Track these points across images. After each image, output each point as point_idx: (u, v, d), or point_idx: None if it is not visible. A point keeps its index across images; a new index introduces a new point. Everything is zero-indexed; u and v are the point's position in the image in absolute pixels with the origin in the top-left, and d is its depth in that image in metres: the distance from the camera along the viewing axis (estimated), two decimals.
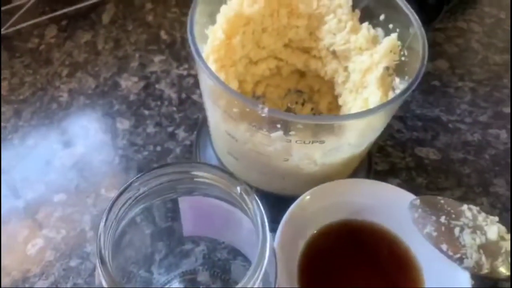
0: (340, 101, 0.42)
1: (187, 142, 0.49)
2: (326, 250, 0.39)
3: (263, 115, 0.31)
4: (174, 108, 0.51)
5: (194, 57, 0.34)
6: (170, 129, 0.50)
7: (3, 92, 0.51)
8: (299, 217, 0.37)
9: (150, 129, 0.49)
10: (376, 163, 0.48)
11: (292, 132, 0.32)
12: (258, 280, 0.25)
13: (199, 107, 0.52)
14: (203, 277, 0.40)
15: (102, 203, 0.44)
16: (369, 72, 0.39)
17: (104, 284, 0.24)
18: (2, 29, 0.54)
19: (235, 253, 0.41)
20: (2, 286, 0.39)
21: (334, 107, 0.45)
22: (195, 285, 0.40)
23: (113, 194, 0.44)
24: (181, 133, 0.49)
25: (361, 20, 0.41)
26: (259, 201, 0.27)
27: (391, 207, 0.39)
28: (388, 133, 0.50)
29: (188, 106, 0.52)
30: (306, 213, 0.38)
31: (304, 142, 0.33)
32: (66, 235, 0.42)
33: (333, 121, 0.32)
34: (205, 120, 0.50)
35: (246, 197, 0.27)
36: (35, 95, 0.51)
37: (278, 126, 0.32)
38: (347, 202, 0.39)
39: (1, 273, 0.40)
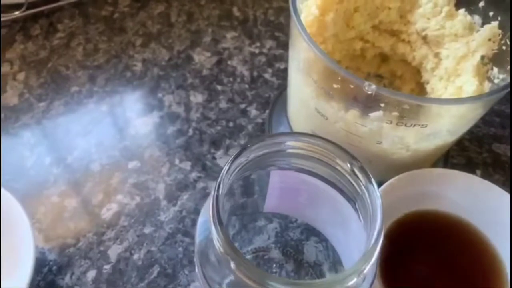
0: (428, 88, 0.40)
1: (259, 120, 0.48)
2: (407, 239, 0.38)
3: (369, 92, 0.30)
4: (246, 86, 0.51)
5: (294, 27, 0.33)
6: (242, 106, 0.49)
7: (78, 57, 0.52)
8: (385, 202, 0.36)
9: (223, 104, 0.49)
10: (453, 156, 0.47)
11: (394, 113, 0.31)
12: (370, 264, 0.24)
13: (271, 86, 0.51)
14: (275, 255, 0.40)
15: (176, 173, 0.44)
16: (464, 60, 0.38)
17: (217, 243, 0.24)
18: None
19: (308, 233, 0.41)
20: (78, 246, 0.40)
21: (417, 94, 0.43)
22: (267, 262, 0.40)
23: (187, 165, 0.44)
24: (253, 111, 0.49)
25: (458, 6, 0.40)
26: (375, 183, 0.26)
27: (477, 200, 0.38)
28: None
29: (260, 85, 0.51)
30: (391, 199, 0.37)
31: (405, 125, 0.32)
32: (140, 202, 0.42)
33: (448, 104, 0.31)
34: (278, 99, 0.50)
35: (360, 176, 0.26)
36: (110, 62, 0.52)
37: (382, 105, 0.31)
38: (431, 192, 0.38)
39: (78, 234, 0.40)
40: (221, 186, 0.25)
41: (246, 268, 0.23)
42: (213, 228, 0.24)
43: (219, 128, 0.47)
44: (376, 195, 0.25)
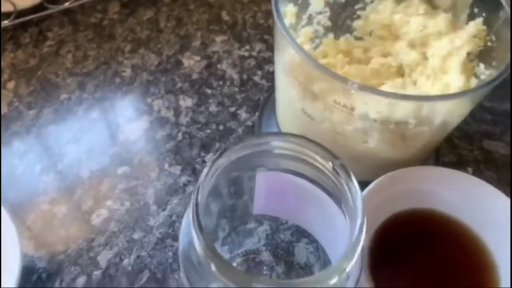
0: (416, 86, 0.40)
1: (249, 123, 0.48)
2: (397, 238, 0.38)
3: (352, 91, 0.30)
4: (236, 89, 0.51)
5: (278, 31, 0.33)
6: (232, 109, 0.49)
7: (67, 64, 0.52)
8: (372, 202, 0.36)
9: (213, 108, 0.49)
10: (444, 154, 0.47)
11: (379, 111, 0.31)
12: (352, 262, 0.24)
13: (261, 88, 0.51)
14: (266, 257, 0.40)
15: (166, 178, 0.44)
16: (450, 58, 0.38)
17: (198, 247, 0.24)
18: (66, 3, 0.54)
19: (299, 235, 0.41)
20: (68, 253, 0.39)
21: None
22: (258, 265, 0.40)
23: (177, 170, 0.44)
24: (243, 114, 0.49)
25: None
26: (354, 180, 0.26)
27: (469, 198, 0.38)
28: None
29: (249, 87, 0.51)
30: (379, 199, 0.37)
31: (390, 123, 0.32)
32: (130, 207, 0.42)
33: (432, 101, 0.31)
34: (267, 101, 0.50)
35: (341, 173, 0.26)
36: (99, 68, 0.52)
37: (364, 103, 0.31)
38: (422, 190, 0.38)
39: (68, 241, 0.40)
40: (200, 190, 0.25)
41: (228, 271, 0.23)
42: (193, 231, 0.24)
43: (209, 131, 0.47)
44: (356, 191, 0.25)
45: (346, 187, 0.26)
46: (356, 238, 0.24)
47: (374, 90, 0.30)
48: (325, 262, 0.36)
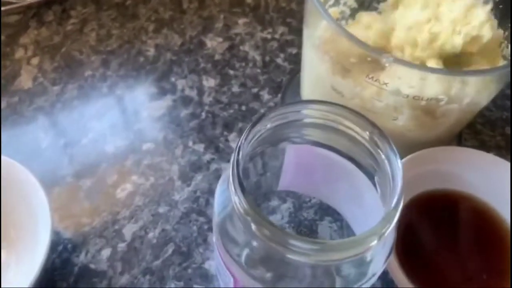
0: None
1: (272, 104, 0.48)
2: (420, 217, 0.38)
3: (387, 64, 0.30)
4: (259, 70, 0.51)
5: (310, 6, 0.33)
6: (254, 90, 0.49)
7: (91, 42, 0.52)
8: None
9: (235, 88, 0.49)
10: (466, 139, 0.47)
11: (413, 85, 0.31)
12: (391, 226, 0.24)
13: (283, 70, 0.51)
14: None
15: (190, 155, 0.44)
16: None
17: (239, 208, 0.24)
18: None
19: (322, 213, 0.41)
20: (93, 225, 0.40)
21: None
22: None
23: (200, 147, 0.44)
24: (265, 95, 0.49)
25: None
26: (393, 146, 0.26)
27: (492, 178, 0.38)
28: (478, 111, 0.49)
29: (272, 69, 0.51)
30: (405, 178, 0.37)
31: (421, 99, 0.32)
32: (155, 182, 0.42)
33: (467, 75, 0.31)
34: (290, 83, 0.50)
35: (379, 142, 0.26)
36: (122, 47, 0.52)
37: (398, 78, 0.31)
38: (446, 170, 0.38)
39: (93, 213, 0.40)
40: (241, 149, 0.25)
41: (267, 228, 0.23)
42: (233, 189, 0.24)
43: (231, 111, 0.47)
44: (395, 156, 0.25)
45: (384, 157, 0.26)
46: (395, 204, 0.24)
47: (409, 63, 0.31)
48: None
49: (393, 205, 0.24)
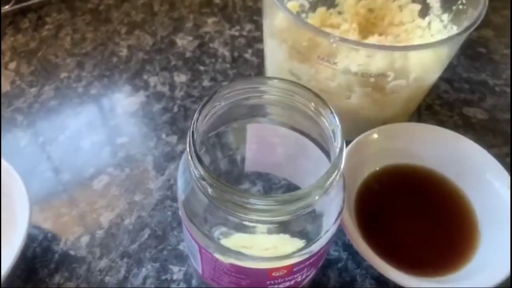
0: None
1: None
2: (381, 191, 0.40)
3: (334, 44, 0.33)
4: (228, 65, 0.53)
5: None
6: (224, 83, 0.52)
7: (66, 46, 0.54)
8: (360, 154, 0.39)
9: (206, 83, 0.52)
10: (425, 120, 0.49)
11: (360, 63, 0.34)
12: (334, 183, 0.26)
13: (251, 65, 0.54)
14: None
15: (163, 146, 0.46)
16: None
17: (195, 176, 0.26)
18: None
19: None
20: (72, 215, 0.42)
21: None
22: None
23: (173, 139, 0.46)
24: None
25: None
26: (333, 112, 0.28)
27: (450, 152, 0.40)
28: (435, 94, 0.51)
29: (240, 64, 0.54)
30: (363, 154, 0.39)
31: (370, 76, 0.35)
32: (130, 173, 0.44)
33: (413, 50, 0.34)
34: (258, 76, 0.52)
35: (322, 111, 0.28)
36: (97, 49, 0.54)
37: (346, 57, 0.34)
38: (404, 146, 0.41)
39: (71, 204, 0.42)
40: (196, 122, 0.27)
41: (221, 188, 0.25)
42: (190, 160, 0.26)
43: None
44: (333, 116, 0.27)
45: (326, 124, 0.28)
46: (337, 157, 0.26)
47: (353, 42, 0.33)
48: None
49: (335, 158, 0.26)
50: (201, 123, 0.28)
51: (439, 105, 0.51)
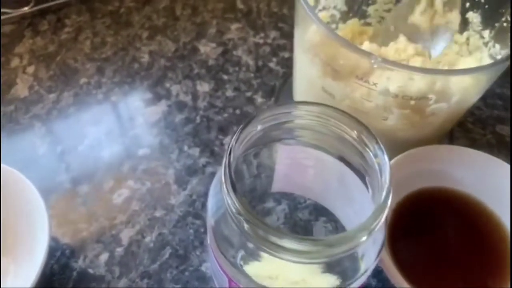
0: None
1: (265, 107, 0.49)
2: (413, 215, 0.39)
3: (375, 65, 0.31)
4: (252, 75, 0.52)
5: (300, 10, 0.34)
6: (248, 94, 0.50)
7: (86, 50, 0.53)
8: (396, 175, 0.37)
9: (229, 93, 0.50)
10: (457, 138, 0.47)
11: (400, 85, 0.32)
12: (380, 223, 0.25)
13: (276, 74, 0.52)
14: None
15: (185, 159, 0.45)
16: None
17: (231, 207, 0.24)
18: None
19: (317, 213, 0.41)
20: (91, 230, 0.40)
21: None
22: None
23: (196, 151, 0.45)
24: (258, 99, 0.50)
25: None
26: (381, 145, 0.26)
27: (485, 176, 0.38)
28: (468, 110, 0.49)
29: (265, 73, 0.52)
30: (395, 177, 0.38)
31: (410, 98, 0.33)
32: (151, 187, 0.43)
33: (454, 75, 0.32)
34: (283, 86, 0.50)
35: (367, 140, 0.27)
36: (117, 54, 0.53)
37: (386, 78, 0.32)
38: (437, 169, 0.39)
39: (90, 219, 0.41)
40: (232, 150, 0.25)
41: (260, 227, 0.23)
42: (225, 190, 0.24)
43: (226, 115, 0.48)
44: (383, 155, 0.26)
45: (371, 155, 0.27)
46: (384, 198, 0.24)
47: (397, 64, 0.31)
48: None
49: (381, 200, 0.24)
50: (237, 151, 0.26)
51: (472, 122, 0.49)
